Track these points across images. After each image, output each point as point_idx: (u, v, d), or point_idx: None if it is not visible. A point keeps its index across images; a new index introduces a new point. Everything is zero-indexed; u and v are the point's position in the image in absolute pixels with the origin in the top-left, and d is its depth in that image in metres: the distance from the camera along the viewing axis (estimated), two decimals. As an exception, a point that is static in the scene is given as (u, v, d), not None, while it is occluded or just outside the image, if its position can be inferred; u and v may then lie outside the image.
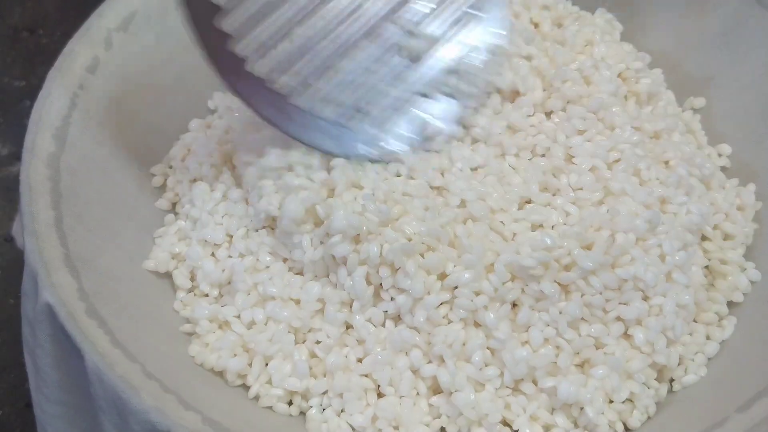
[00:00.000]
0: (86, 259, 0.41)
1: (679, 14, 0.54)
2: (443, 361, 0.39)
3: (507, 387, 0.39)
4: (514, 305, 0.40)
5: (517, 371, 0.38)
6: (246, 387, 0.40)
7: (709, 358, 0.42)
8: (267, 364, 0.40)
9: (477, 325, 0.39)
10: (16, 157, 0.63)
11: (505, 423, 0.39)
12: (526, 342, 0.39)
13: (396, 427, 0.39)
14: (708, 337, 0.42)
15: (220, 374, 0.41)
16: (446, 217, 0.40)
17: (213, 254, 0.44)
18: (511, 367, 0.38)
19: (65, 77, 0.46)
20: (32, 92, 0.67)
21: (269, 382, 0.40)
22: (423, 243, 0.39)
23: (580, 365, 0.40)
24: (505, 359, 0.38)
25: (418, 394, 0.39)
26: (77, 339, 0.36)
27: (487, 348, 0.39)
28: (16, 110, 0.68)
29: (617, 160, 0.44)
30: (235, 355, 0.40)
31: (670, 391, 0.41)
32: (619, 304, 0.40)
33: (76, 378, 0.38)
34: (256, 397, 0.40)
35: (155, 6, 0.51)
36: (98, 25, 0.49)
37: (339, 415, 0.39)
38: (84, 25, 0.49)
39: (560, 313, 0.39)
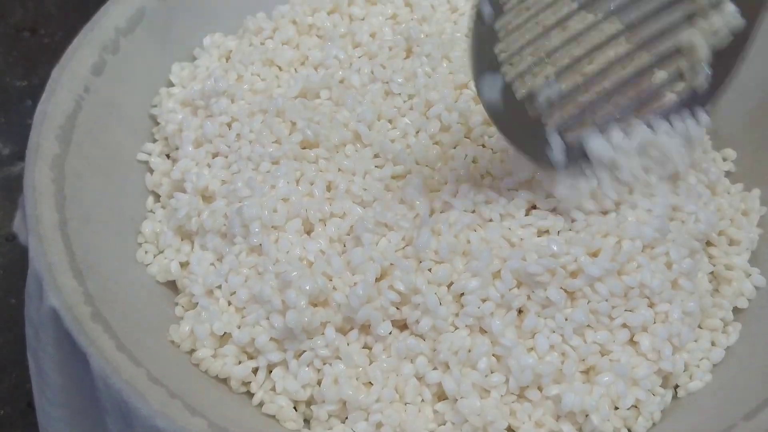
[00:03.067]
0: (91, 262, 0.40)
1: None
2: (448, 367, 0.39)
3: (512, 394, 0.39)
4: (520, 312, 0.40)
5: (522, 378, 0.38)
6: (251, 393, 0.40)
7: (714, 365, 0.42)
8: (271, 372, 0.40)
9: (483, 331, 0.39)
10: (18, 156, 0.64)
11: (511, 430, 0.38)
12: (532, 349, 0.39)
13: (401, 434, 0.39)
14: (713, 344, 0.42)
15: (225, 381, 0.40)
16: (461, 224, 0.40)
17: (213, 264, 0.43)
18: (517, 374, 0.38)
19: (70, 78, 0.46)
20: (34, 92, 0.68)
21: (273, 389, 0.40)
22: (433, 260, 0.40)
23: (586, 372, 0.39)
24: (511, 366, 0.38)
25: (423, 400, 0.39)
26: (83, 343, 0.36)
27: (493, 355, 0.39)
28: (17, 110, 0.68)
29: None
30: (240, 362, 0.40)
31: (675, 397, 0.41)
32: (625, 311, 0.40)
33: (80, 381, 0.38)
34: (261, 404, 0.40)
35: (161, 4, 0.51)
36: (105, 24, 0.49)
37: (343, 422, 0.39)
38: (89, 24, 0.49)
39: (566, 319, 0.39)
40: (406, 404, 0.39)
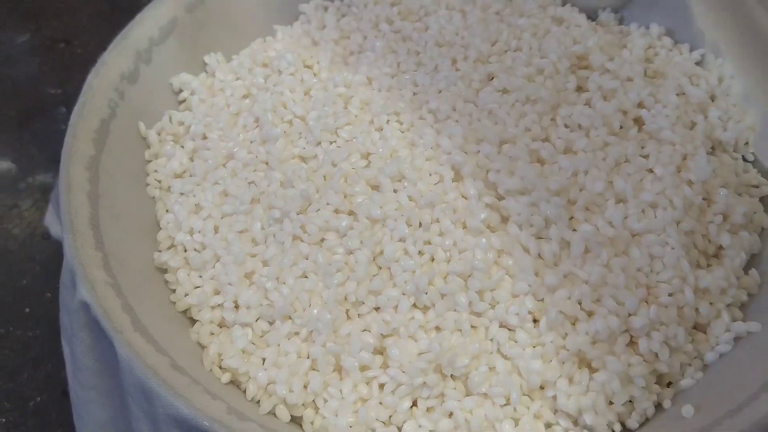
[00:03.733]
0: (121, 258, 0.42)
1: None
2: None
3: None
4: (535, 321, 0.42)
5: (532, 381, 0.40)
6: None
7: (706, 365, 0.42)
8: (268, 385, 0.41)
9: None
10: (52, 160, 0.65)
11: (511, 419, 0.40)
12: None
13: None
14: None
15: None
16: None
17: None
18: (527, 377, 0.40)
19: (106, 84, 0.48)
20: (68, 99, 0.70)
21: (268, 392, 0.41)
22: None
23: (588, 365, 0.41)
24: (521, 369, 0.40)
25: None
26: (110, 332, 0.38)
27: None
28: (52, 116, 0.70)
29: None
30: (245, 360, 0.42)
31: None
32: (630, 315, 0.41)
33: (108, 364, 0.40)
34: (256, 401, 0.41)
35: (191, 16, 0.53)
36: (139, 32, 0.50)
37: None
38: (124, 31, 0.50)
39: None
40: None
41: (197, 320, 0.44)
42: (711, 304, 0.43)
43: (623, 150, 0.47)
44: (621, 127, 0.49)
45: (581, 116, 0.48)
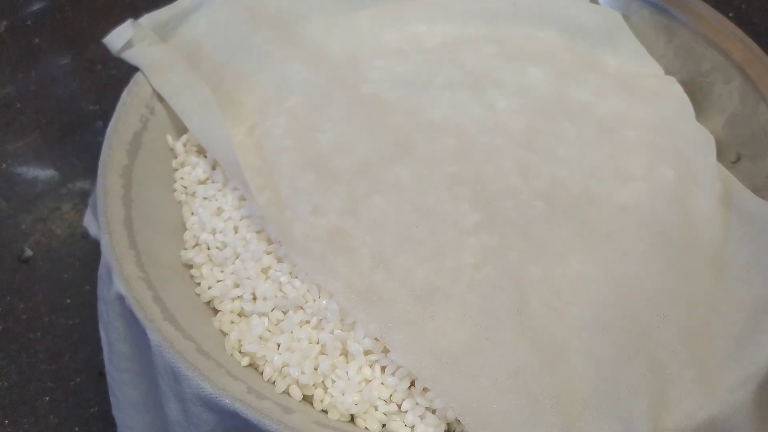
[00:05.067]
0: (152, 254, 0.43)
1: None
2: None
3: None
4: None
5: None
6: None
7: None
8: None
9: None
10: (90, 169, 0.66)
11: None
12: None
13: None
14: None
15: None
16: None
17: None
18: None
19: (138, 101, 0.49)
20: (104, 115, 0.71)
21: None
22: None
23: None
24: None
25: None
26: (143, 321, 0.39)
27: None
28: (90, 130, 0.71)
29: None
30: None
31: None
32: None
33: (140, 350, 0.41)
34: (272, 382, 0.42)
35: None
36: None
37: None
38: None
39: None
40: None
41: (219, 310, 0.45)
42: None
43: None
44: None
45: None
